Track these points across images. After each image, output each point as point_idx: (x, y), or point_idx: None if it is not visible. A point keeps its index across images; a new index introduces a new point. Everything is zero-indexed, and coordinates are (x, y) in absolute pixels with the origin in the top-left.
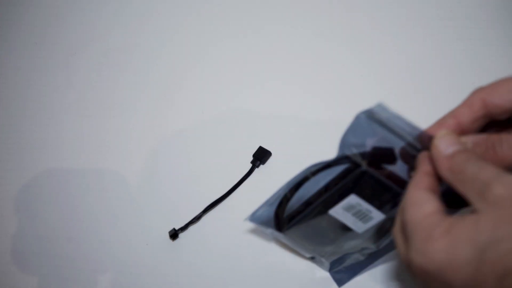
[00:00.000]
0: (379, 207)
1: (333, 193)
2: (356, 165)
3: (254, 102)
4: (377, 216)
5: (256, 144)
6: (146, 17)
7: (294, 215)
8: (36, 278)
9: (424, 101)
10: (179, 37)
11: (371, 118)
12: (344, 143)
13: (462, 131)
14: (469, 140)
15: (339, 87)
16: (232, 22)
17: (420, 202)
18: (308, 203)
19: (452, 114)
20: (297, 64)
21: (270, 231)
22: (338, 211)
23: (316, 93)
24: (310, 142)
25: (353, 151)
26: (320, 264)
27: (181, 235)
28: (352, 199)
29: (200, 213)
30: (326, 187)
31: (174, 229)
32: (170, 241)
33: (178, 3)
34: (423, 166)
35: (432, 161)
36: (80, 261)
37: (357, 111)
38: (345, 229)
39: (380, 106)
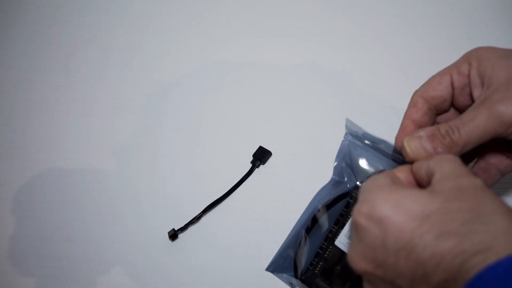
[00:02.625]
0: None
1: (335, 224)
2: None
3: (255, 102)
4: None
5: (256, 144)
6: (146, 16)
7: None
8: (35, 278)
9: None
10: (179, 37)
11: (355, 137)
12: (339, 166)
13: (419, 127)
14: (423, 133)
15: (339, 87)
16: (233, 24)
17: (376, 175)
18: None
19: (405, 117)
20: (297, 64)
21: (289, 278)
22: (342, 241)
23: (316, 93)
24: (310, 142)
25: (349, 177)
26: None
27: (180, 235)
28: None
29: (200, 213)
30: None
31: (173, 229)
32: (170, 241)
33: (179, 3)
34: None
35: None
36: (79, 261)
37: (356, 112)
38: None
39: (349, 121)
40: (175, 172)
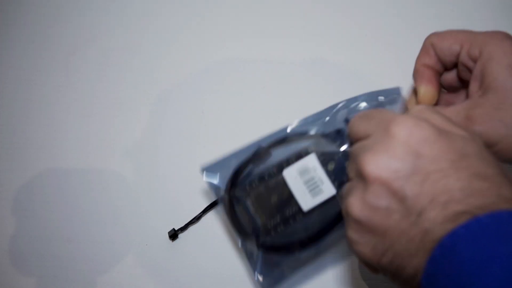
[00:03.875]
0: (333, 180)
1: (295, 158)
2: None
3: (255, 102)
4: (327, 190)
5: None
6: (146, 16)
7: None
8: (35, 279)
9: None
10: (179, 37)
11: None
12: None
13: (433, 72)
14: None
15: (340, 87)
16: (233, 24)
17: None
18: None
19: (419, 62)
20: (297, 64)
21: (216, 187)
22: (291, 173)
23: (316, 93)
24: None
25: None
26: (250, 259)
27: (180, 235)
28: (311, 159)
29: (200, 213)
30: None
31: (173, 229)
32: (170, 241)
33: (179, 2)
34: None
35: None
36: (80, 262)
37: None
38: (292, 206)
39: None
40: (175, 172)
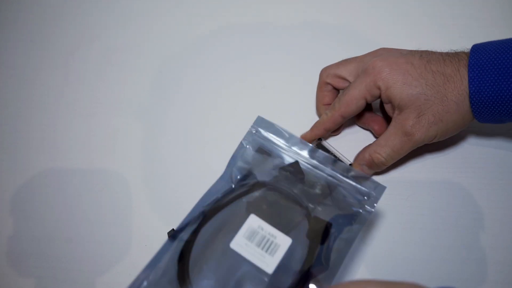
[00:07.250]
0: (283, 228)
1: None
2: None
3: (255, 102)
4: (283, 241)
5: None
6: (147, 16)
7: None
8: (34, 279)
9: None
10: (178, 37)
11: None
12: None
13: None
14: (364, 163)
15: None
16: (232, 23)
17: None
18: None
19: (322, 127)
20: (298, 64)
21: None
22: (240, 243)
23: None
24: None
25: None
26: None
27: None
28: (252, 220)
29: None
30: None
31: (173, 229)
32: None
33: (177, 3)
34: None
35: None
36: (79, 262)
37: None
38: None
39: (260, 118)
40: (175, 172)
